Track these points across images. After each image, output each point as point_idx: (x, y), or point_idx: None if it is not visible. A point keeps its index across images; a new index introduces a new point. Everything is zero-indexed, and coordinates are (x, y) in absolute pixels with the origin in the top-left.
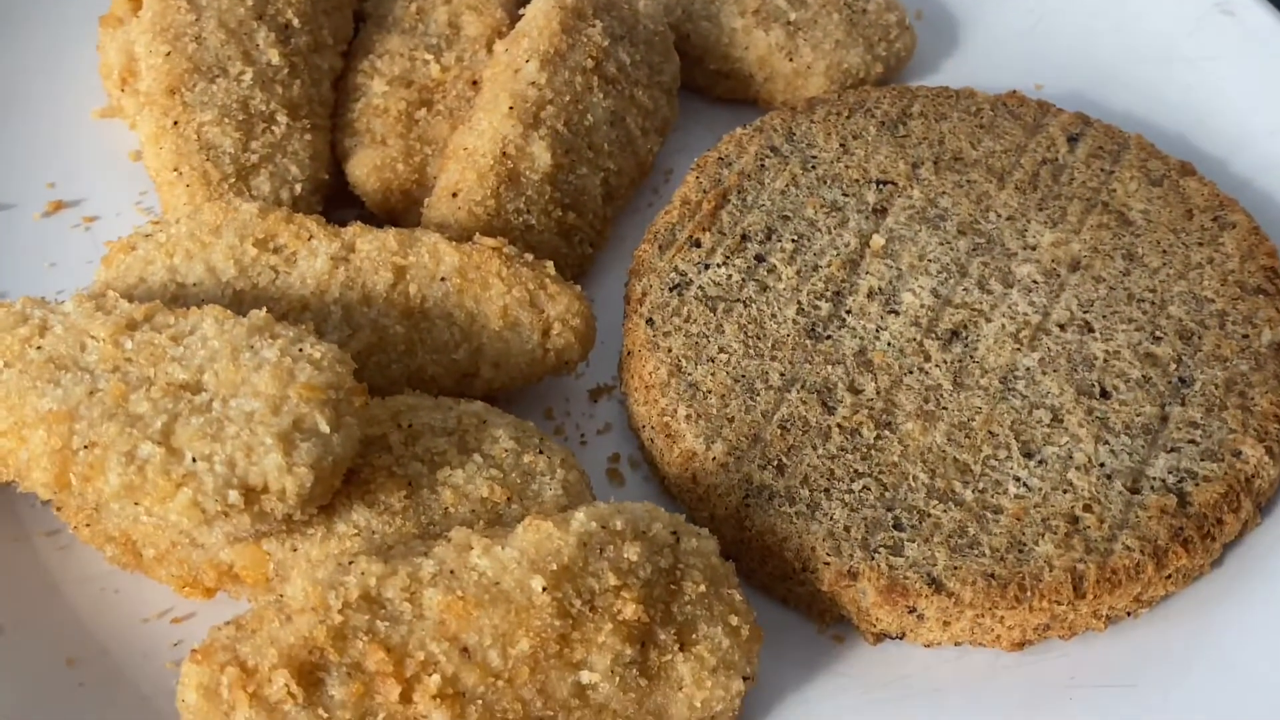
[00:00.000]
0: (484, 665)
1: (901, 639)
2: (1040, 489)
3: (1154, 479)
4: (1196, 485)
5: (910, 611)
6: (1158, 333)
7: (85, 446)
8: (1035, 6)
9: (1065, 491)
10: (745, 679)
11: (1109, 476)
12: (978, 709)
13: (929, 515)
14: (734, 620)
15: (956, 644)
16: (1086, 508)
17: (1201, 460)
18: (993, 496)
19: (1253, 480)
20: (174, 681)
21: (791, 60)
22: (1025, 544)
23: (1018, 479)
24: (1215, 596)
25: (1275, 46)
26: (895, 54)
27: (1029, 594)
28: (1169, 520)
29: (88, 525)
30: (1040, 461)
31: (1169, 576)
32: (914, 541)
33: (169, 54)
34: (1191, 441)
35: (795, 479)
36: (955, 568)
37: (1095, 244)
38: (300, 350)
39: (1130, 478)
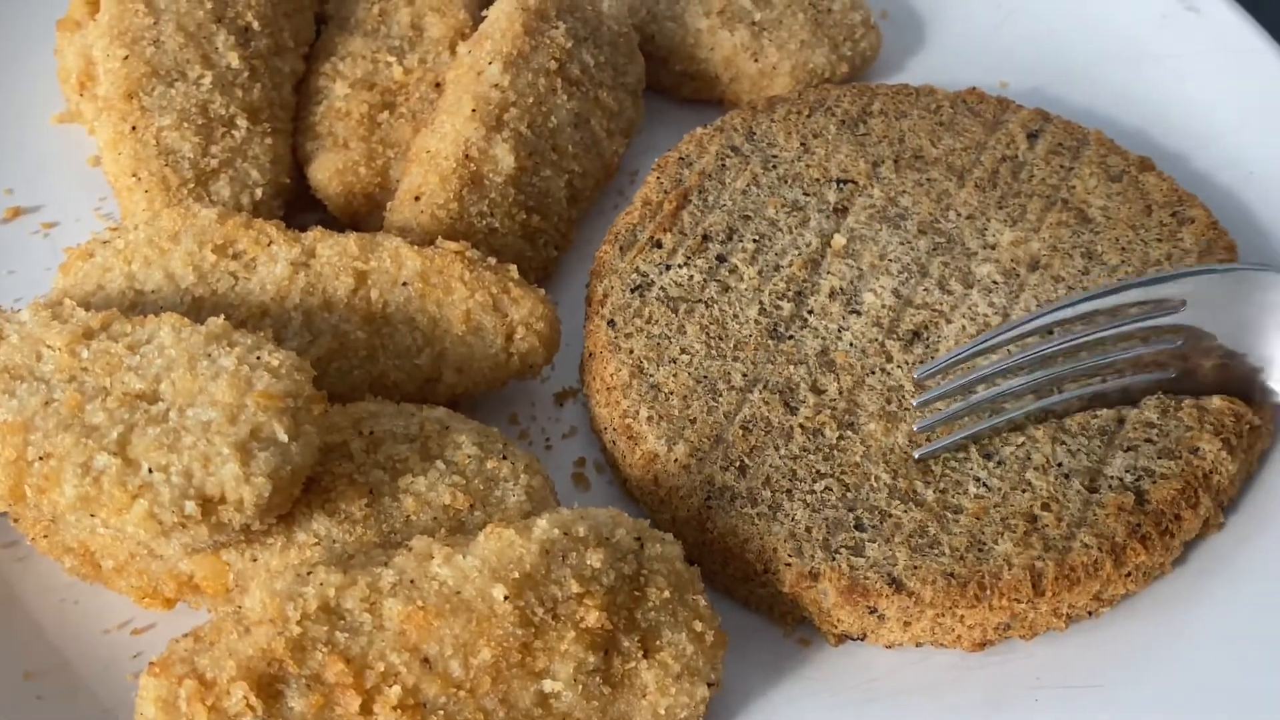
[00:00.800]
0: (445, 675)
1: (863, 640)
2: (1000, 489)
3: (1111, 478)
4: (1154, 483)
5: (871, 612)
6: None
7: (40, 458)
8: (1001, 4)
9: (1024, 491)
10: (710, 685)
11: (1066, 476)
12: (943, 711)
13: (890, 515)
14: (698, 626)
15: (918, 645)
16: (1045, 506)
17: (1159, 458)
18: (953, 496)
19: (1211, 476)
20: (134, 694)
21: (757, 60)
22: (985, 543)
23: (978, 479)
24: (1178, 596)
25: (1239, 42)
26: (860, 53)
27: (988, 592)
28: (1126, 518)
29: (45, 536)
30: (999, 462)
31: (1129, 575)
32: (875, 542)
33: (127, 58)
34: (1148, 440)
35: (757, 480)
36: (915, 567)
37: (1054, 242)
38: (258, 358)
39: (1088, 477)
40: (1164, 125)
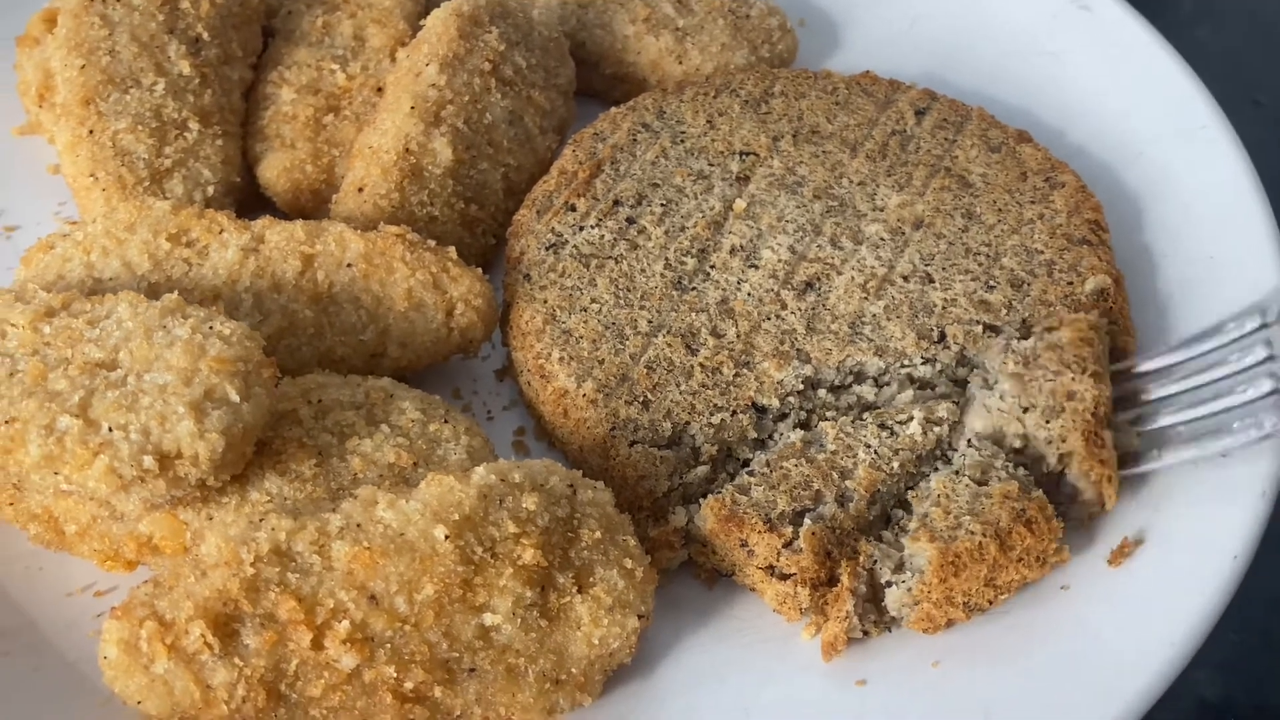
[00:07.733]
0: (391, 611)
1: (731, 577)
2: (889, 461)
3: (999, 469)
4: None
5: (742, 545)
6: (991, 282)
7: (6, 422)
8: (909, 10)
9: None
10: (641, 617)
11: (956, 473)
12: (867, 656)
13: (780, 467)
14: (629, 563)
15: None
16: (936, 502)
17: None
18: (843, 458)
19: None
20: (97, 647)
21: (681, 63)
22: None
23: (868, 446)
24: (1079, 587)
25: (1127, 36)
26: (778, 55)
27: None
28: (1011, 504)
29: (11, 504)
30: (891, 432)
31: (1020, 559)
32: (760, 486)
33: (84, 66)
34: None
35: (659, 413)
36: (798, 514)
37: (938, 204)
38: (211, 328)
39: (980, 470)
40: (1063, 117)
